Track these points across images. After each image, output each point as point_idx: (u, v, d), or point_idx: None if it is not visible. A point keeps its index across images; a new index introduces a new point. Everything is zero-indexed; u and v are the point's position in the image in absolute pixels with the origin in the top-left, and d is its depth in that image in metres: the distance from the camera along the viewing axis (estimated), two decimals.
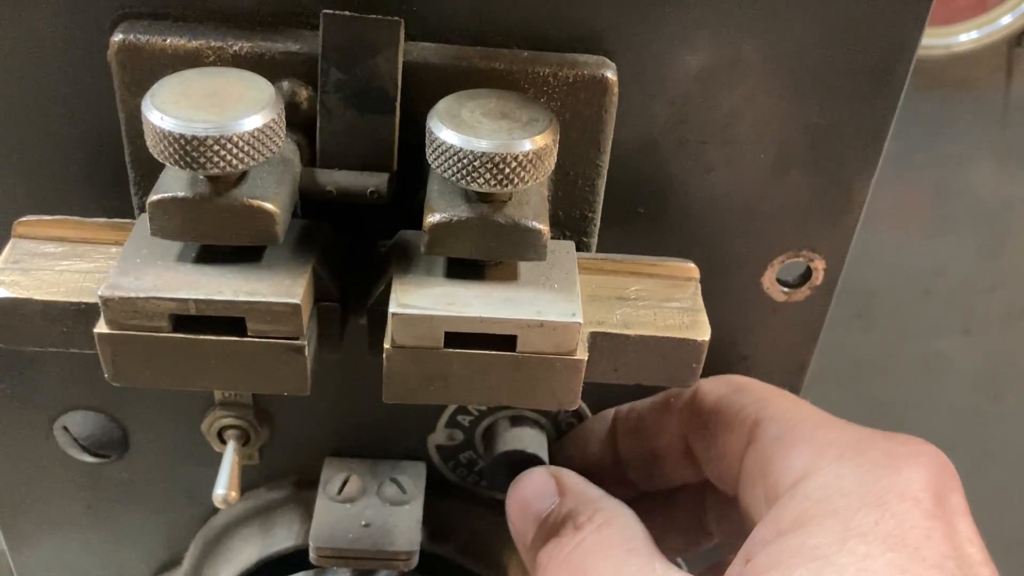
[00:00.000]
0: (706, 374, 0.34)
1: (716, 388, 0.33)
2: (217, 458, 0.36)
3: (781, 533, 0.27)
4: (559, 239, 0.30)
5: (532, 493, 0.33)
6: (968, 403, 0.91)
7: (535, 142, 0.24)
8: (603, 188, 0.30)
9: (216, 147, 0.23)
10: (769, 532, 0.28)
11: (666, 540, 0.38)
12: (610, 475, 0.36)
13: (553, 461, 0.37)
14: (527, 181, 0.25)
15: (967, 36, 0.66)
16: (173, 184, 0.25)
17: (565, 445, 0.38)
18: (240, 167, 0.24)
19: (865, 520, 0.26)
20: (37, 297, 0.26)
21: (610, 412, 0.37)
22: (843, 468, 0.28)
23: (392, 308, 0.25)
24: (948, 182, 0.78)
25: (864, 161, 0.31)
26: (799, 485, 0.28)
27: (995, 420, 0.92)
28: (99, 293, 0.25)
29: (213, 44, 0.27)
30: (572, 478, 0.33)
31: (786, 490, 0.28)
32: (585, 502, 0.32)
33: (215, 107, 0.24)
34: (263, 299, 0.25)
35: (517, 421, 0.37)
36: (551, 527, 0.32)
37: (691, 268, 0.29)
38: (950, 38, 0.67)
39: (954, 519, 0.27)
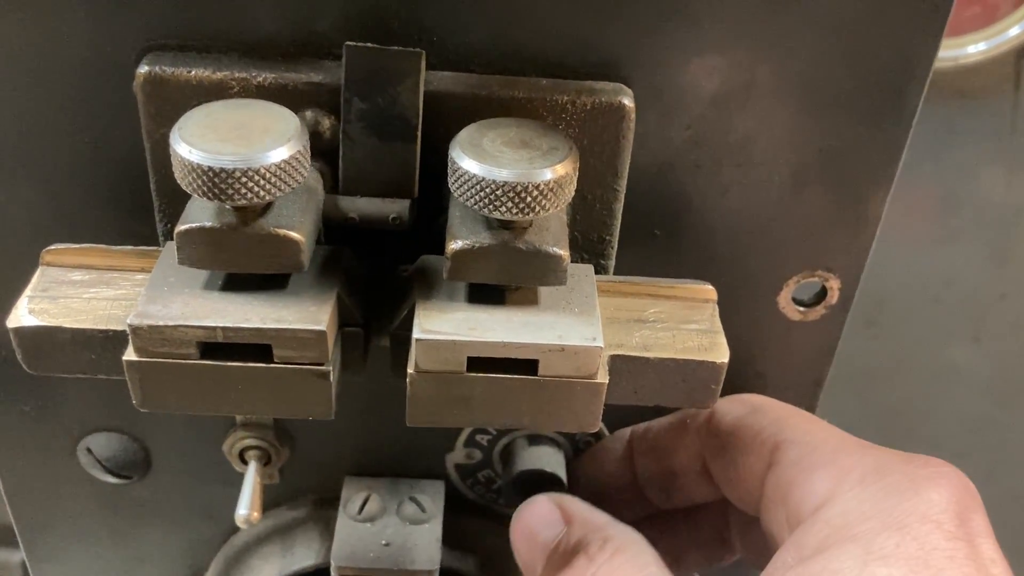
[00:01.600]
0: (723, 393, 0.34)
1: (732, 409, 0.34)
2: (238, 478, 0.36)
3: (803, 559, 0.27)
4: (578, 262, 0.30)
5: (537, 522, 0.33)
6: (978, 411, 0.91)
7: (555, 171, 0.25)
8: (620, 211, 0.30)
9: (243, 179, 0.24)
10: (791, 558, 0.28)
11: (688, 556, 0.38)
12: (628, 494, 0.37)
13: (570, 480, 0.37)
14: (548, 209, 0.25)
15: (975, 48, 0.66)
16: (200, 214, 0.26)
17: (582, 464, 0.38)
18: (267, 198, 0.24)
19: (886, 543, 0.26)
20: (66, 325, 0.27)
21: (626, 431, 0.37)
22: (864, 493, 0.28)
23: (416, 334, 0.26)
24: (957, 191, 0.79)
25: (879, 180, 0.32)
26: (821, 511, 0.28)
27: (1005, 428, 0.92)
28: (128, 321, 0.25)
29: (237, 75, 0.27)
30: (577, 504, 0.33)
31: (808, 515, 0.29)
32: (593, 529, 0.32)
33: (242, 139, 0.24)
34: (289, 326, 0.26)
35: (535, 440, 0.38)
36: (561, 558, 0.32)
37: (708, 290, 0.30)
38: (958, 49, 0.67)
39: (976, 540, 0.27)
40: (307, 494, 0.39)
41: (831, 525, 0.28)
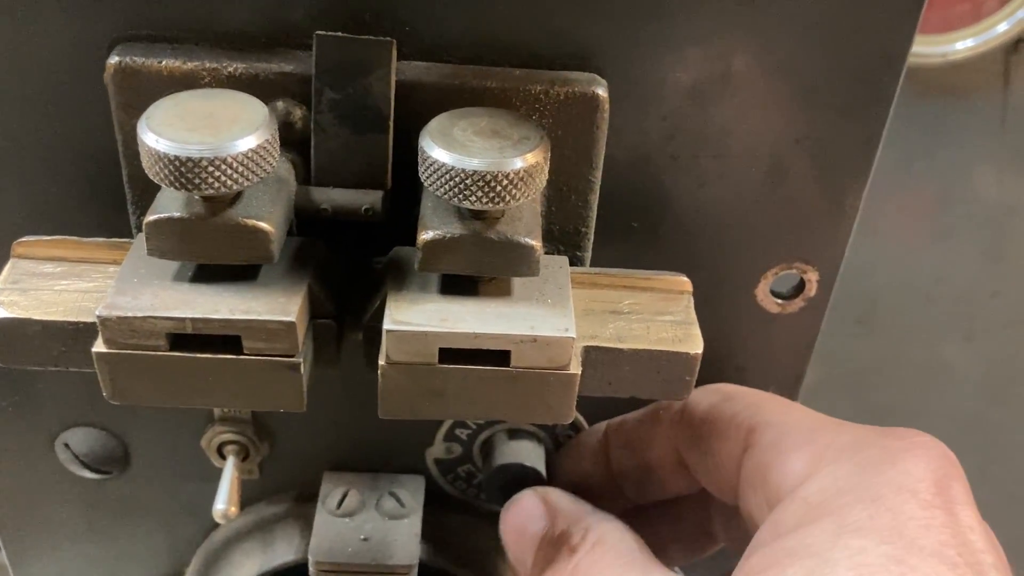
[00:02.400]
0: (701, 385, 0.34)
1: (705, 398, 0.33)
2: (217, 473, 0.36)
3: (779, 536, 0.27)
4: (553, 254, 0.30)
5: (524, 518, 0.33)
6: (971, 409, 0.91)
7: (526, 160, 0.25)
8: (596, 203, 0.30)
9: (211, 168, 0.24)
10: (768, 536, 0.28)
11: (671, 548, 0.38)
12: (605, 489, 0.36)
13: (550, 476, 0.37)
14: (519, 198, 0.25)
15: (963, 44, 0.66)
16: (169, 204, 0.25)
17: (560, 460, 0.38)
18: (235, 188, 0.24)
19: (860, 516, 0.26)
20: (36, 317, 0.27)
21: (602, 426, 0.37)
22: (840, 469, 0.28)
23: (386, 325, 0.26)
24: (949, 189, 0.79)
25: (856, 172, 0.31)
26: (798, 489, 0.28)
27: (998, 426, 0.92)
28: (97, 313, 0.25)
29: (208, 65, 0.27)
30: (559, 497, 0.33)
31: (786, 494, 0.28)
32: (575, 521, 0.32)
33: (210, 128, 0.24)
34: (258, 317, 0.25)
35: (515, 434, 0.37)
36: (547, 551, 0.32)
37: (684, 281, 0.30)
38: (947, 46, 0.67)
39: (955, 507, 0.26)
40: (287, 489, 0.39)
41: (808, 503, 0.27)
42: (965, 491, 0.27)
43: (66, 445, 0.37)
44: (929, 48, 0.67)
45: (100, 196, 0.31)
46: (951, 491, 0.27)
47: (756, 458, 0.30)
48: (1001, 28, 0.66)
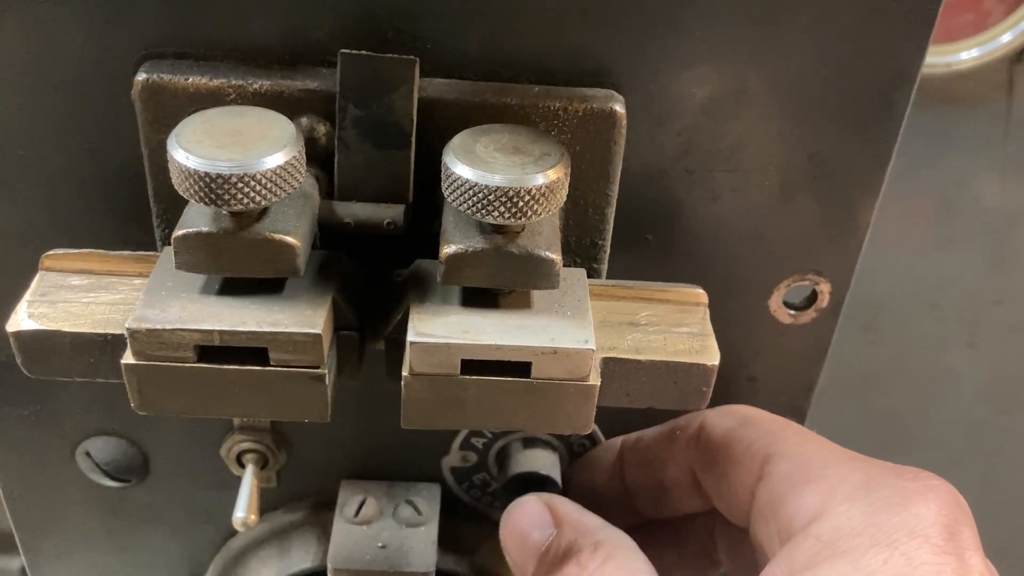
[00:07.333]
0: (714, 396, 0.34)
1: (723, 421, 0.34)
2: (236, 481, 0.36)
3: (792, 573, 0.27)
4: (570, 266, 0.31)
5: (527, 524, 0.33)
6: (975, 416, 0.91)
7: (547, 176, 0.25)
8: (612, 216, 0.31)
9: (240, 184, 0.24)
10: (780, 572, 0.28)
11: (674, 572, 0.38)
12: (618, 504, 0.36)
13: (563, 488, 0.37)
14: (540, 213, 0.25)
15: (968, 54, 0.67)
16: (197, 219, 0.26)
17: (573, 473, 0.38)
18: (263, 203, 0.25)
19: (874, 560, 0.26)
20: (65, 329, 0.27)
21: (617, 441, 0.37)
22: (853, 508, 0.28)
23: (410, 337, 0.26)
24: (953, 197, 0.79)
25: (868, 186, 0.32)
26: (811, 526, 0.28)
27: (1002, 432, 0.93)
28: (126, 325, 0.26)
29: (234, 82, 0.28)
30: (566, 506, 0.33)
31: (799, 530, 0.29)
32: (584, 534, 0.32)
33: (238, 146, 0.25)
34: (285, 329, 0.26)
35: (530, 443, 0.38)
36: (552, 562, 0.31)
37: (700, 293, 0.30)
38: (951, 56, 0.67)
39: (965, 554, 0.27)
40: (304, 497, 0.40)
41: (821, 541, 0.28)
42: (973, 536, 0.28)
43: (87, 454, 0.38)
44: (933, 58, 0.68)
45: (124, 211, 0.31)
46: (961, 536, 0.27)
47: (770, 489, 0.31)
48: (1005, 39, 0.66)
